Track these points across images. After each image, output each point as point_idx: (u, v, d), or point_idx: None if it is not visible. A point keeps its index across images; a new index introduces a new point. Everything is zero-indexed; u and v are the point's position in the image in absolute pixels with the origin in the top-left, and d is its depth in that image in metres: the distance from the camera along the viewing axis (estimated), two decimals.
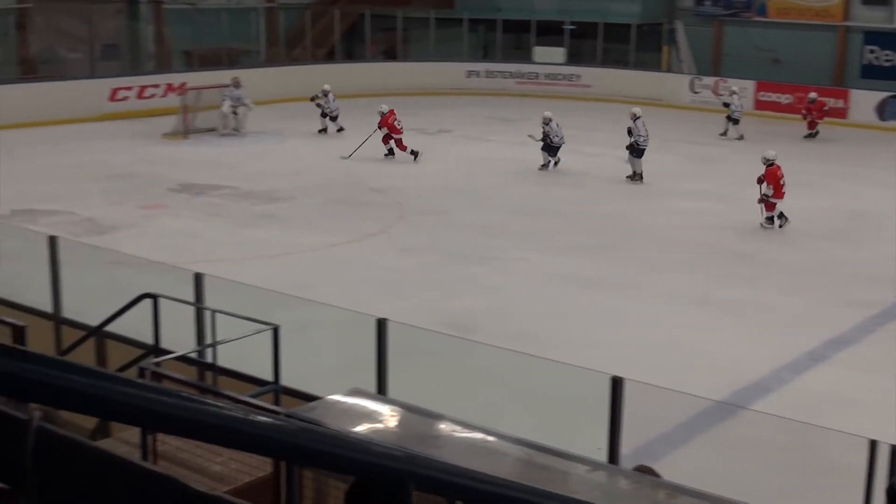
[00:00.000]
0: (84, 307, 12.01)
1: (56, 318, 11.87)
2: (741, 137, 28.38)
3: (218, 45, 34.11)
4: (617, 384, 7.68)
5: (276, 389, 9.56)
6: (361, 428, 6.80)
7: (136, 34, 34.06)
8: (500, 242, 17.65)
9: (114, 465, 1.06)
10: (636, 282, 15.78)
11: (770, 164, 19.38)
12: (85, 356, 10.59)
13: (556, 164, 23.61)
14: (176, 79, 30.64)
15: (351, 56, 37.83)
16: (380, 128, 24.71)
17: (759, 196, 19.17)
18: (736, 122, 28.83)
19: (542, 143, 23.52)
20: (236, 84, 27.34)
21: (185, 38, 33.70)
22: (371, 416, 7.29)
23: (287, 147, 26.21)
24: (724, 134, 28.94)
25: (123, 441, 8.15)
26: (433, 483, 1.54)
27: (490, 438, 6.58)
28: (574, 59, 37.06)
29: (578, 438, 8.20)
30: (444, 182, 22.34)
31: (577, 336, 13.21)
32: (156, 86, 30.69)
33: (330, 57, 37.22)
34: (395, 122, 24.69)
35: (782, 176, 19.15)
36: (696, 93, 34.10)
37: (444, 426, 6.99)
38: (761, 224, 19.07)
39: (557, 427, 9.43)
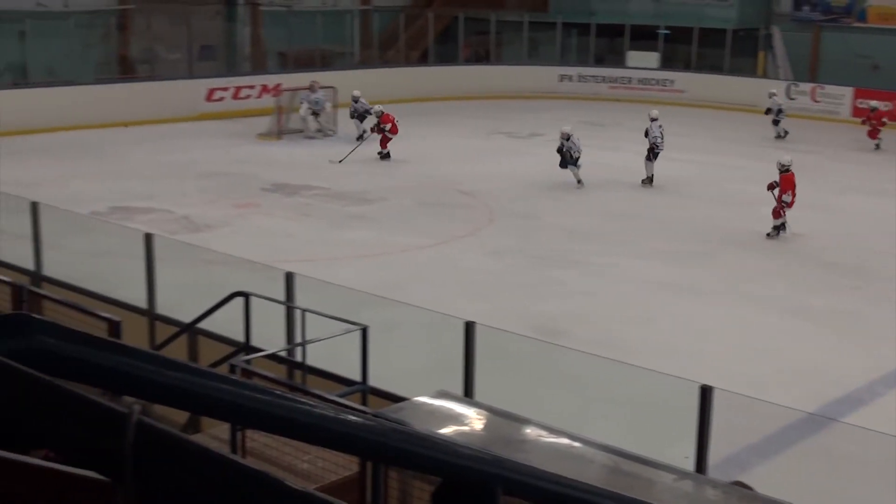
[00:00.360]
0: (177, 304, 12.21)
1: (150, 314, 12.09)
2: (782, 135, 28.71)
3: (312, 47, 34.44)
4: (706, 393, 7.59)
5: (363, 389, 9.62)
6: (447, 430, 6.81)
7: (232, 36, 34.56)
8: (589, 247, 17.56)
9: (209, 460, 1.09)
10: (726, 289, 15.58)
11: (786, 170, 18.64)
12: (177, 352, 10.76)
13: (578, 180, 22.34)
14: (271, 80, 31.04)
15: (444, 59, 37.94)
16: (381, 126, 24.59)
17: (775, 204, 18.47)
18: (777, 122, 29.11)
19: (560, 160, 22.35)
20: (313, 88, 27.54)
21: (280, 40, 34.10)
22: (457, 419, 7.30)
23: (378, 148, 26.35)
24: (782, 136, 29.04)
25: (213, 437, 8.28)
26: (521, 487, 1.54)
27: (576, 444, 6.55)
28: (668, 63, 36.74)
29: (665, 446, 8.13)
30: (534, 185, 22.28)
31: (666, 343, 13.09)
32: (251, 87, 31.11)
33: (423, 60, 37.36)
34: (396, 121, 24.67)
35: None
36: (792, 99, 33.55)
37: (529, 430, 6.98)
38: (768, 234, 18.47)
39: (643, 434, 9.36)
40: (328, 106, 27.50)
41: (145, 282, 12.14)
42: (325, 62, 34.76)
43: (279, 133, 27.19)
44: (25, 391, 1.24)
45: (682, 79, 35.82)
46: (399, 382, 9.97)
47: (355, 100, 27.11)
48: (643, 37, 36.68)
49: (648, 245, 17.73)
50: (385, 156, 24.72)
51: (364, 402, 9.44)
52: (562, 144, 22.19)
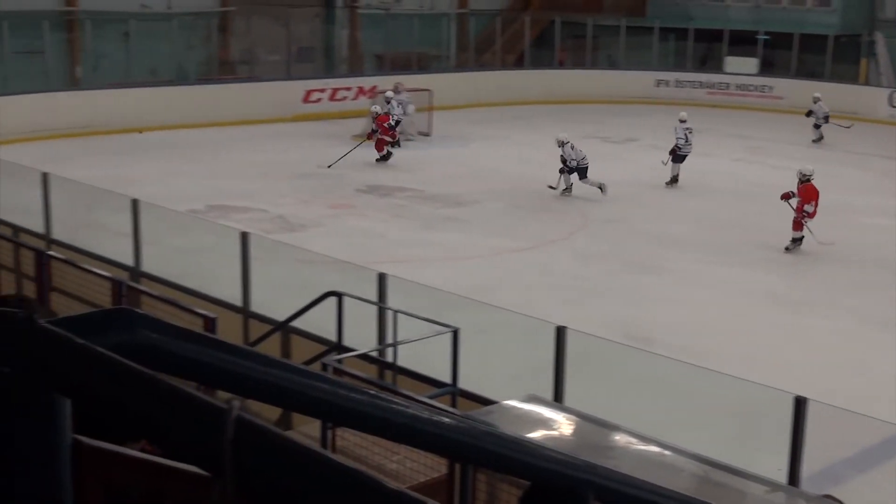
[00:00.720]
0: (271, 302, 12.37)
1: (245, 312, 12.26)
2: (819, 139, 28.56)
3: (409, 50, 34.63)
4: (800, 404, 7.48)
5: (453, 392, 9.65)
6: (536, 434, 6.81)
7: (330, 38, 34.92)
8: (682, 253, 17.39)
9: (307, 457, 1.11)
10: (821, 300, 15.31)
11: (807, 179, 18.03)
12: (270, 350, 10.90)
13: (597, 185, 21.46)
14: (367, 82, 31.31)
15: (539, 63, 37.87)
16: (375, 128, 24.13)
17: (796, 215, 17.82)
18: (818, 126, 28.82)
19: (561, 167, 21.56)
20: (397, 89, 27.62)
21: (377, 42, 34.36)
22: (546, 423, 7.29)
23: (472, 151, 26.41)
24: (819, 140, 28.80)
25: (304, 434, 8.37)
26: (613, 495, 1.54)
27: (666, 452, 6.51)
28: (767, 69, 36.20)
29: (756, 458, 8.02)
30: (628, 191, 22.12)
31: (758, 352, 12.90)
32: (347, 88, 31.39)
33: (519, 63, 37.34)
34: (388, 124, 24.23)
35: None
36: (894, 107, 32.83)
37: (619, 437, 6.94)
38: (786, 248, 17.78)
39: (734, 445, 9.25)
40: (411, 109, 27.53)
41: (240, 279, 12.32)
42: (422, 65, 34.94)
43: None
44: (128, 385, 1.28)
45: (781, 85, 35.26)
46: (488, 385, 9.98)
47: (387, 100, 26.67)
48: (742, 42, 36.20)
49: (743, 253, 17.50)
50: (384, 157, 24.17)
51: (453, 405, 9.47)
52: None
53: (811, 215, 17.74)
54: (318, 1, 34.66)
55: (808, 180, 18.05)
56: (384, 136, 24.20)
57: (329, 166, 23.45)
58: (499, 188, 21.95)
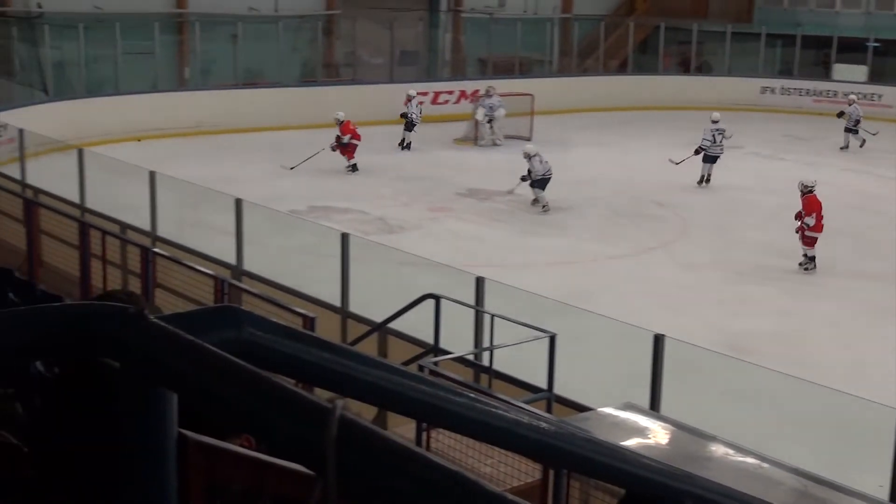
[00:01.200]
0: (369, 303, 12.48)
1: (343, 312, 12.38)
2: (859, 144, 28.02)
3: (511, 54, 34.62)
4: None
5: (548, 397, 9.64)
6: (631, 442, 6.77)
7: (433, 41, 35.07)
8: (787, 263, 17.09)
9: (409, 458, 1.12)
10: None
11: (809, 191, 17.25)
12: (367, 350, 10.97)
13: (541, 204, 20.57)
14: (469, 86, 31.36)
15: (643, 68, 37.55)
16: (341, 135, 23.44)
17: (798, 229, 17.06)
18: (854, 131, 28.16)
19: (528, 181, 20.72)
20: (489, 93, 27.56)
21: (479, 46, 34.40)
22: (642, 431, 7.24)
23: (573, 157, 26.26)
24: (846, 147, 28.20)
25: (399, 435, 8.42)
26: None
27: (764, 464, 6.42)
28: (876, 77, 35.37)
29: (857, 474, 7.86)
30: (731, 198, 21.85)
31: (865, 367, 12.62)
32: (450, 92, 31.50)
33: (622, 69, 37.08)
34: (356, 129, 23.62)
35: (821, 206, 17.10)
36: None
37: (715, 447, 6.87)
38: (800, 265, 16.92)
39: (835, 460, 9.07)
40: (501, 113, 27.43)
41: (339, 280, 12.45)
42: (524, 69, 34.90)
43: (475, 138, 27.44)
44: (235, 381, 1.30)
45: (891, 93, 34.42)
46: (585, 392, 9.94)
47: (409, 98, 26.34)
48: (851, 49, 35.44)
49: (853, 264, 17.15)
50: (353, 168, 23.45)
51: (548, 410, 9.46)
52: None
53: (812, 228, 16.95)
54: (423, 5, 34.84)
55: (811, 192, 17.34)
56: (354, 140, 23.50)
57: (291, 168, 22.80)
58: (599, 194, 21.82)
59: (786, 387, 9.97)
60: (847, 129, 28.31)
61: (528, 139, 27.40)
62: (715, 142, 22.88)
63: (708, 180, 22.98)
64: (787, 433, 10.17)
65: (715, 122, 23.24)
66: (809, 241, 16.98)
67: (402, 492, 1.08)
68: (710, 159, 22.90)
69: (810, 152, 26.64)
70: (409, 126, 26.42)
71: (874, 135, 28.31)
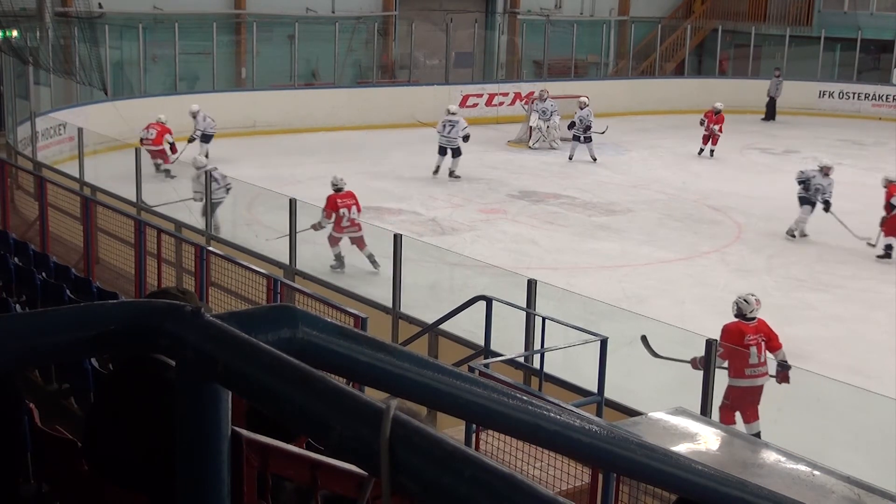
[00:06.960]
0: (420, 303, 12.50)
1: (394, 313, 12.42)
2: None
3: (567, 57, 34.53)
4: None
5: (599, 401, 9.60)
6: (682, 447, 6.73)
7: (489, 43, 35.06)
8: (843, 270, 16.90)
9: (462, 459, 1.13)
10: None
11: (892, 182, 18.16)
12: (419, 351, 11.01)
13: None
14: (524, 88, 31.31)
15: (700, 71, 37.26)
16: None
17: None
18: None
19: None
20: (542, 96, 27.43)
21: (535, 48, 34.32)
22: (693, 437, 7.20)
23: (628, 160, 26.17)
24: None
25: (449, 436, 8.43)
26: None
27: (816, 472, 6.36)
28: None
29: None
30: (787, 204, 21.60)
31: None
32: (504, 94, 31.47)
33: (679, 71, 36.85)
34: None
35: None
36: None
37: (766, 454, 6.82)
38: (879, 256, 17.71)
39: (889, 468, 8.95)
40: (556, 118, 27.27)
41: (391, 281, 12.49)
42: (580, 72, 34.80)
43: (529, 141, 27.39)
44: (290, 380, 1.32)
45: None
46: (635, 396, 9.89)
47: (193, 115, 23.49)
48: None
49: None
50: (164, 169, 21.60)
51: (599, 414, 9.42)
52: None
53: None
54: (479, 7, 34.86)
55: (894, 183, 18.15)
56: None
57: (165, 168, 21.62)
58: (654, 197, 21.70)
59: (842, 394, 9.86)
60: None
61: (557, 146, 26.94)
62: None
63: None
64: (843, 442, 10.06)
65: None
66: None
67: (456, 492, 1.08)
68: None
69: (868, 157, 26.30)
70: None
71: None
